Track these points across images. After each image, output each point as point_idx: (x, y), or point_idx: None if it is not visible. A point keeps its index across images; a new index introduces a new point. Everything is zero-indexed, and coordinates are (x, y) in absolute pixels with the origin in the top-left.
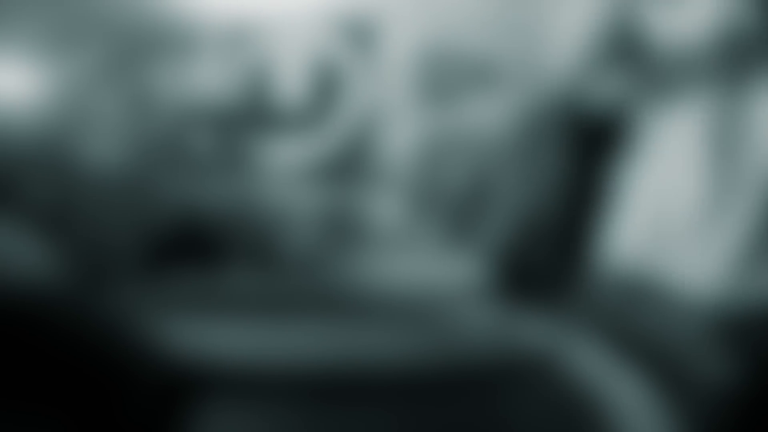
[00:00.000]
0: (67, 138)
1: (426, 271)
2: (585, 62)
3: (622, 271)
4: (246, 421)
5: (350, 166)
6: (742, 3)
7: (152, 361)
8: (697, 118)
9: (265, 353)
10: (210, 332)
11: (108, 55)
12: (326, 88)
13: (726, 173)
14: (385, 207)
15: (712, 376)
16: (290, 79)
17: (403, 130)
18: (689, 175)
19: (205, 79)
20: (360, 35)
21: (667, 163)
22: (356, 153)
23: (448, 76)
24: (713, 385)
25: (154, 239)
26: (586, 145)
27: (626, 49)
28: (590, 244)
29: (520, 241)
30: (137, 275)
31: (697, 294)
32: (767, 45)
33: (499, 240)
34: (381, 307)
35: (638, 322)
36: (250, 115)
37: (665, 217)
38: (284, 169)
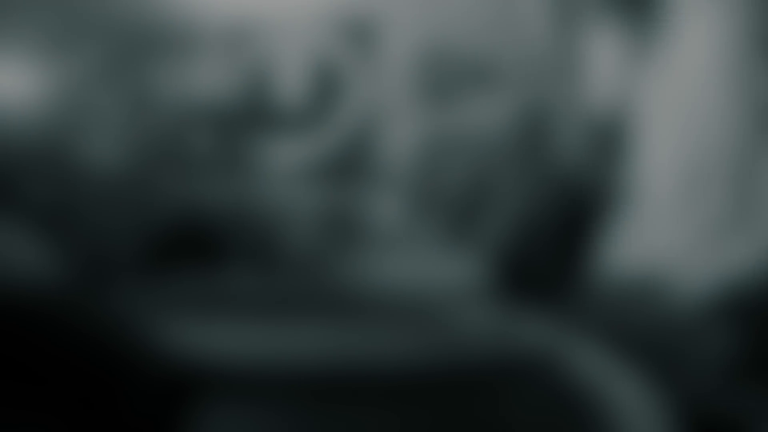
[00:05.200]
0: (66, 138)
1: (426, 271)
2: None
3: (622, 271)
4: (246, 421)
5: (350, 166)
6: None
7: (152, 361)
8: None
9: (264, 353)
10: (210, 332)
11: (108, 55)
12: (326, 88)
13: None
14: (385, 207)
15: (713, 375)
16: (290, 80)
17: (403, 131)
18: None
19: (205, 79)
20: (360, 36)
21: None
22: (356, 153)
23: (448, 76)
24: (714, 385)
25: (154, 239)
26: (585, 144)
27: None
28: (590, 244)
29: (520, 241)
30: (137, 275)
31: (699, 293)
32: None
33: (499, 240)
34: (381, 306)
35: (638, 321)
36: (250, 115)
37: (665, 215)
38: (284, 169)
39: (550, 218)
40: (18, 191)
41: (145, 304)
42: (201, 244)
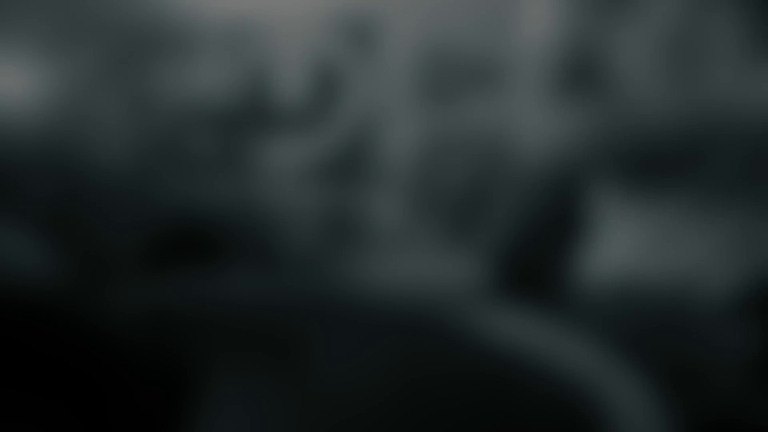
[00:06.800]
0: (68, 138)
1: (426, 271)
2: None
3: (620, 270)
4: (246, 420)
5: (350, 166)
6: None
7: (152, 360)
8: None
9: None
10: (209, 330)
11: (109, 55)
12: (326, 88)
13: None
14: (385, 207)
15: (712, 374)
16: (290, 79)
17: (403, 130)
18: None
19: (206, 79)
20: (360, 35)
21: None
22: (356, 153)
23: (447, 76)
24: (714, 384)
25: (155, 237)
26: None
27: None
28: (590, 243)
29: (520, 241)
30: (137, 274)
31: (716, 293)
32: None
33: (498, 240)
34: (380, 307)
35: (637, 320)
36: (251, 115)
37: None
38: (284, 169)
39: (549, 218)
40: (20, 190)
41: (145, 304)
42: (201, 242)
